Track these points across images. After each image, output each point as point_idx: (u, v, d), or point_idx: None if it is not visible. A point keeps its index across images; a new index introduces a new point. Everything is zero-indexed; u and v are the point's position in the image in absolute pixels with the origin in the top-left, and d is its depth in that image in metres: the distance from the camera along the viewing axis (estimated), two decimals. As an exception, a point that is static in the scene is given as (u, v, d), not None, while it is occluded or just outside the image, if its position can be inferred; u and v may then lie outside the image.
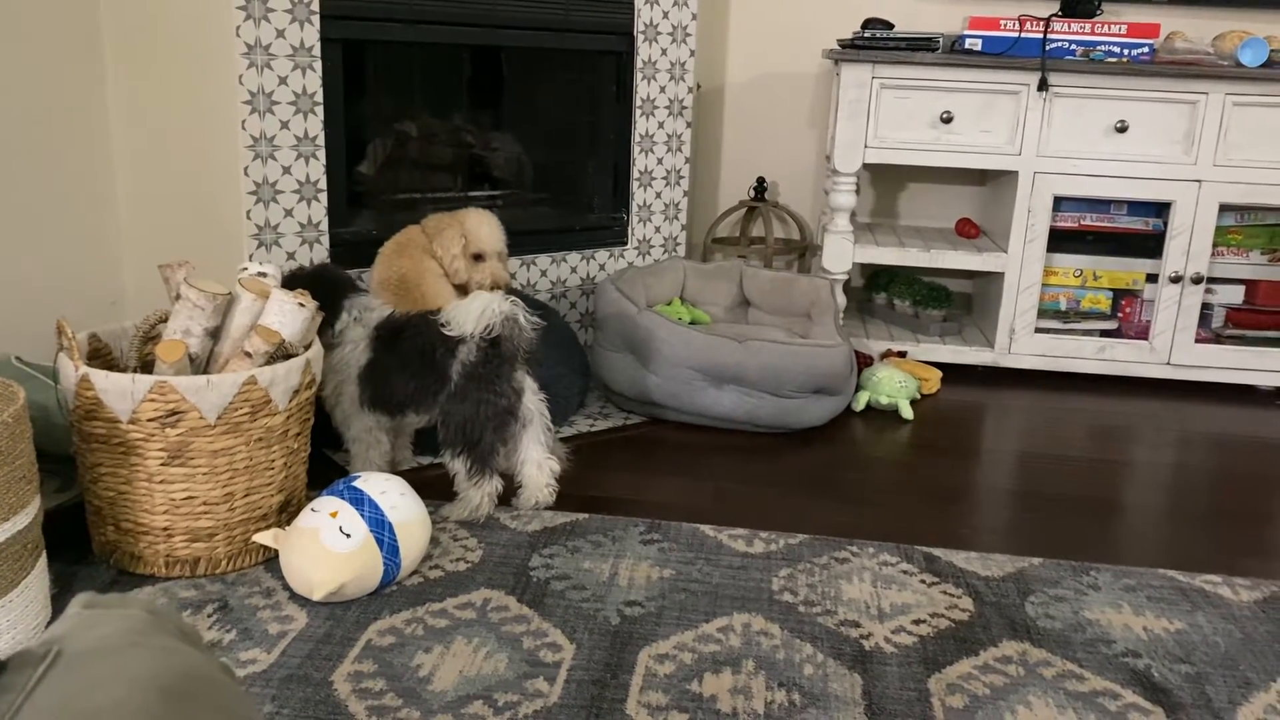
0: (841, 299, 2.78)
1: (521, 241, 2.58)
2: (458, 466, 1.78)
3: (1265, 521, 1.99)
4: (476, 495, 1.78)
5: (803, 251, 3.20)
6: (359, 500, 1.54)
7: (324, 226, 2.20)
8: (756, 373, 2.24)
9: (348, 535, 1.51)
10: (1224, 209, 2.66)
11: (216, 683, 0.51)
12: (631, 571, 1.65)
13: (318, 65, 2.12)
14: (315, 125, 2.14)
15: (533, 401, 1.82)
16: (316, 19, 2.10)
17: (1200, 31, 2.89)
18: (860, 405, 2.50)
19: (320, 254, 2.20)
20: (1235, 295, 2.78)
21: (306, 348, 1.69)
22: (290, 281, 1.87)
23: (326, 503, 1.55)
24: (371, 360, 1.82)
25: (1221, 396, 2.73)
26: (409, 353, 1.80)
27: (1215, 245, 2.70)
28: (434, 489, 1.89)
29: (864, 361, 2.64)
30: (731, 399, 2.27)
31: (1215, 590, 1.68)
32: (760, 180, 3.15)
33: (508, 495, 1.85)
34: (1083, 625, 1.55)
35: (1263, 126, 2.57)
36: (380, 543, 1.52)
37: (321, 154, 2.16)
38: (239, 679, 1.33)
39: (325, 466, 2.00)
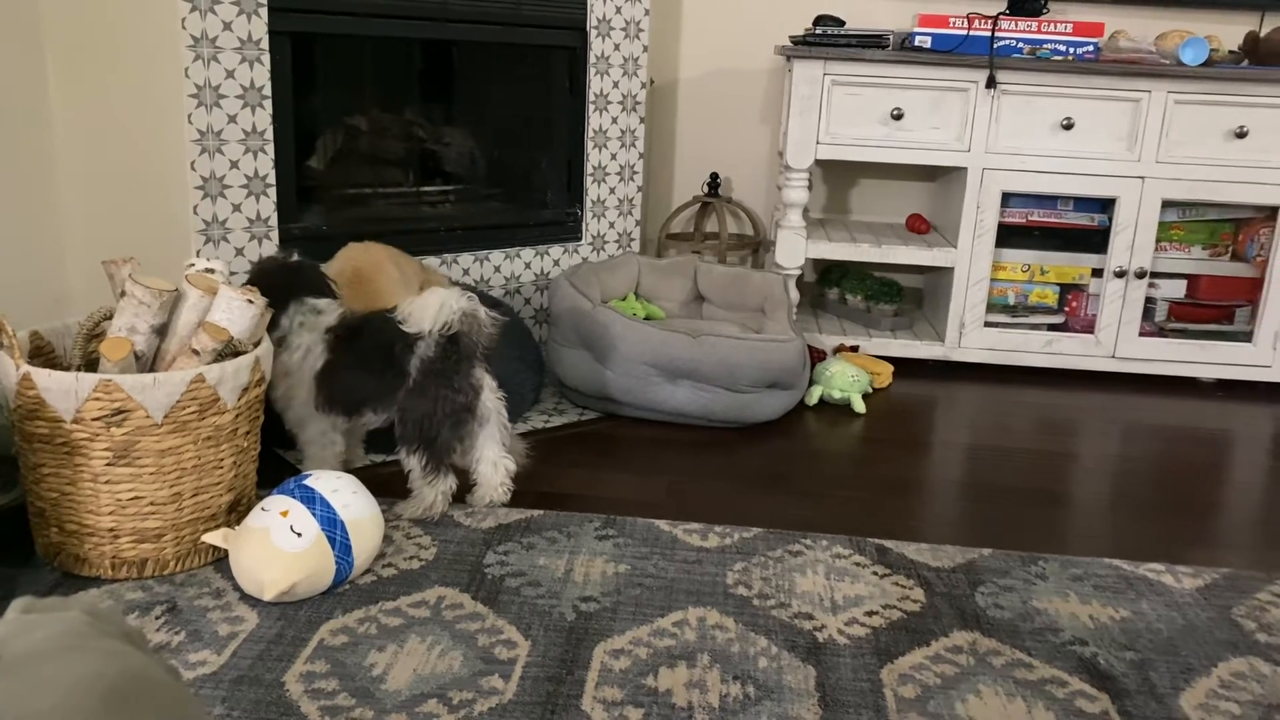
0: (795, 294, 2.80)
1: (475, 237, 2.57)
2: (413, 463, 1.77)
3: (1206, 511, 2.04)
4: (431, 493, 1.77)
5: (756, 247, 3.22)
6: (310, 499, 1.52)
7: (273, 222, 2.17)
8: (711, 368, 2.25)
9: (299, 534, 1.49)
10: (1166, 205, 2.71)
11: (159, 685, 0.51)
12: (587, 567, 1.65)
13: (266, 58, 2.09)
14: (264, 119, 2.11)
15: (490, 399, 1.81)
16: (264, 11, 2.07)
17: (1143, 31, 2.94)
18: (813, 399, 2.52)
19: (269, 250, 2.17)
20: (1178, 290, 2.84)
21: (256, 345, 1.66)
22: (256, 273, 1.85)
23: (277, 502, 1.53)
24: (329, 362, 1.80)
25: (1165, 389, 2.79)
26: (369, 351, 1.78)
27: (1158, 241, 2.75)
28: (388, 487, 1.88)
29: (817, 356, 2.66)
30: (686, 394, 2.28)
31: (1159, 578, 1.72)
32: (714, 176, 3.16)
33: (462, 492, 1.84)
34: (1031, 614, 1.58)
35: (1203, 124, 2.63)
36: (332, 541, 1.51)
37: (270, 148, 2.13)
38: (186, 681, 1.31)
39: (276, 465, 1.98)
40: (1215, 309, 2.85)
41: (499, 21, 2.45)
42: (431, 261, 2.46)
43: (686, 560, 1.69)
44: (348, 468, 1.96)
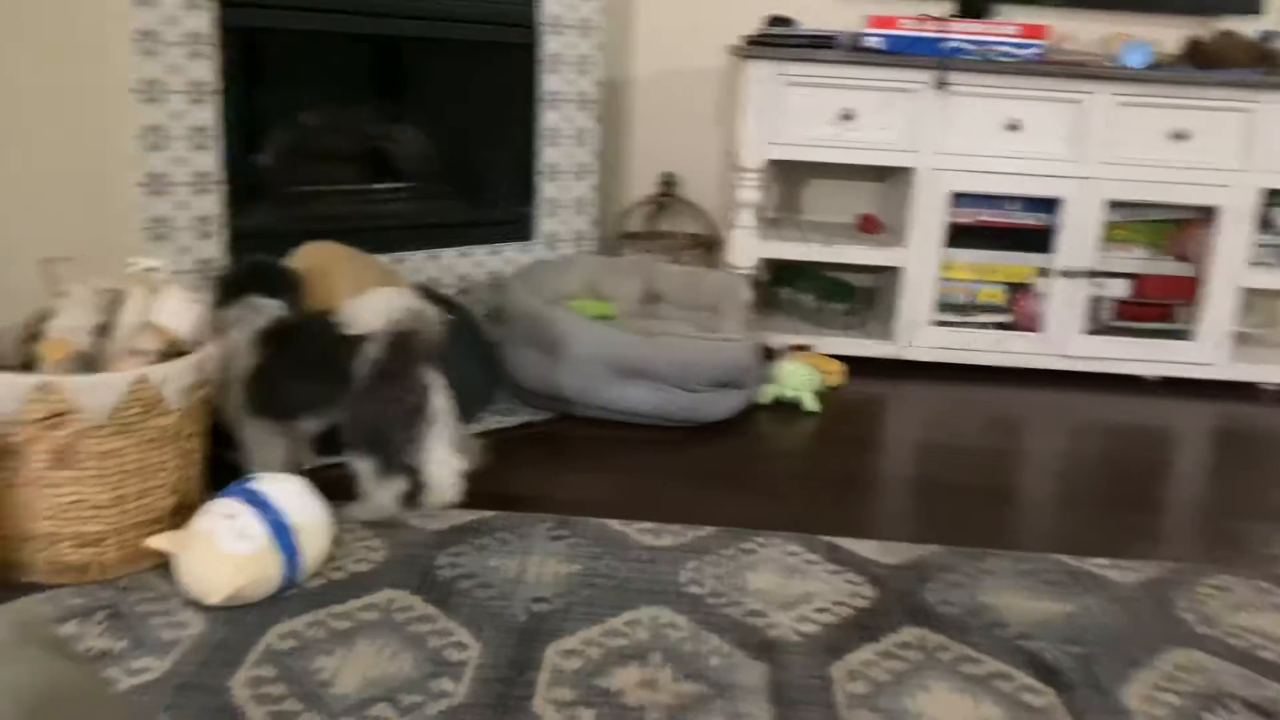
0: (748, 293, 2.81)
1: (427, 235, 2.55)
2: (364, 467, 1.75)
3: (1150, 506, 2.08)
4: (383, 495, 1.75)
5: (710, 246, 3.23)
6: (257, 502, 1.50)
7: (220, 219, 2.14)
8: (665, 367, 2.26)
9: (246, 538, 1.47)
10: (1111, 205, 2.76)
11: (86, 696, 0.49)
12: (539, 568, 1.65)
13: (213, 53, 2.06)
14: (211, 115, 2.08)
15: (440, 399, 1.80)
16: (212, 5, 2.03)
17: (1088, 34, 2.99)
18: (767, 398, 2.53)
19: (216, 248, 2.14)
20: (1122, 289, 2.89)
21: (201, 345, 1.64)
22: (223, 280, 1.83)
23: (224, 505, 1.51)
24: (258, 366, 1.77)
25: (1110, 386, 2.84)
26: (306, 357, 1.76)
27: (1103, 240, 2.80)
28: (338, 488, 1.85)
29: (770, 355, 2.67)
30: (640, 393, 2.28)
31: (1103, 573, 1.75)
32: (668, 175, 3.17)
33: (413, 494, 1.82)
34: (979, 610, 1.60)
35: (1145, 126, 2.68)
36: (280, 545, 1.49)
37: (217, 145, 2.10)
38: (129, 689, 1.29)
39: (223, 468, 1.94)
40: (1159, 307, 2.91)
41: (451, 18, 2.44)
42: (383, 260, 2.43)
43: (639, 560, 1.69)
44: (296, 470, 1.93)
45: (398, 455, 1.74)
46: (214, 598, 1.45)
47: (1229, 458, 2.38)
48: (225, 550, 1.45)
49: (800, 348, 2.80)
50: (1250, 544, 1.91)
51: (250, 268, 1.87)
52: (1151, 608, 1.64)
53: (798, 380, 2.54)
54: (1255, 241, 2.81)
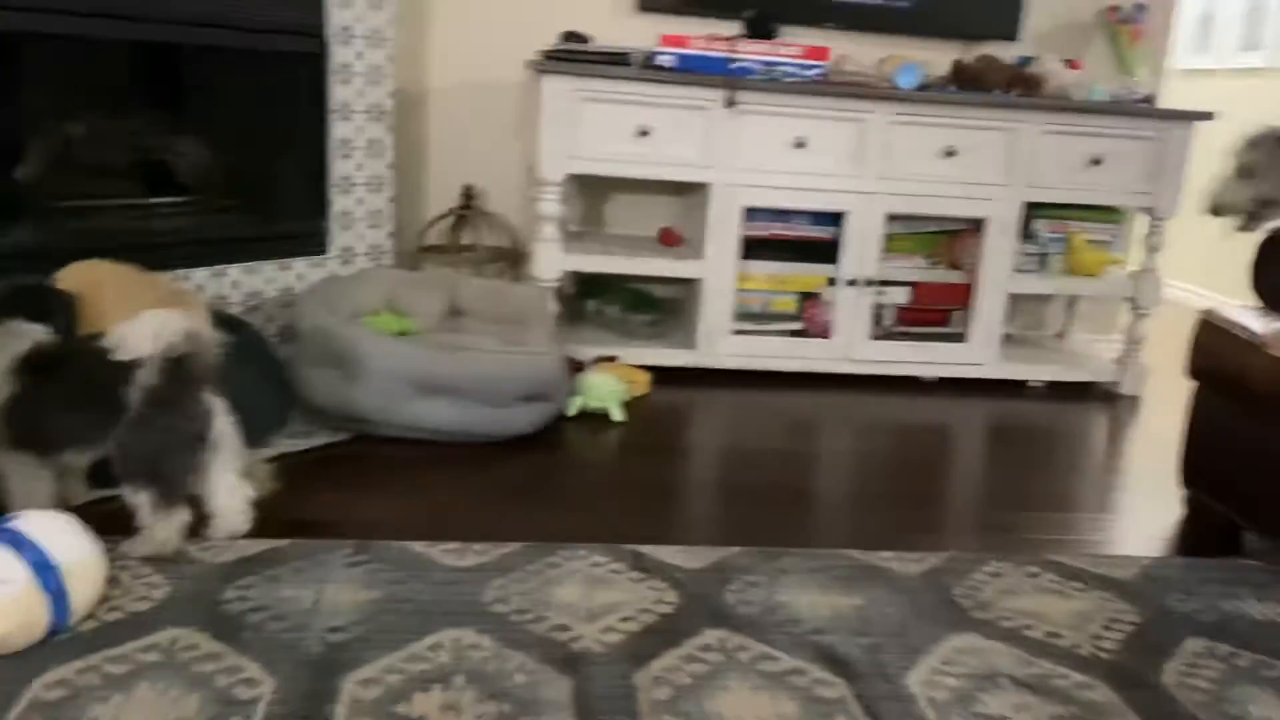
0: (553, 306, 2.82)
1: (211, 251, 2.42)
2: (142, 500, 1.64)
3: (931, 500, 2.21)
4: (163, 529, 1.65)
5: (514, 259, 3.22)
6: (17, 543, 1.38)
7: (-29, 237, 1.97)
8: (469, 382, 2.23)
9: (5, 582, 1.35)
10: (890, 218, 2.94)
11: None
12: (336, 596, 1.59)
13: (-43, 57, 1.89)
14: (-44, 124, 1.91)
15: (223, 424, 1.71)
16: (-47, 5, 1.87)
17: (865, 56, 3.17)
18: (573, 410, 2.55)
19: (-33, 268, 1.96)
20: (902, 296, 3.08)
21: (-52, 375, 1.49)
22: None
23: (-23, 548, 1.38)
24: (16, 397, 1.63)
25: (894, 388, 3.01)
26: (72, 386, 1.64)
27: (884, 251, 2.97)
28: (114, 524, 1.73)
29: (576, 367, 2.69)
30: (442, 410, 2.25)
31: (888, 565, 1.85)
32: (468, 188, 3.13)
33: (197, 525, 1.72)
34: (775, 608, 1.66)
35: (917, 143, 2.86)
36: (45, 588, 1.38)
37: (-35, 156, 1.93)
38: None
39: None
40: (936, 313, 3.11)
41: (231, 25, 2.33)
42: (166, 278, 2.30)
43: (443, 581, 1.66)
44: (65, 506, 1.79)
45: (179, 486, 1.64)
46: (-32, 651, 1.33)
47: (1000, 451, 2.57)
48: (-20, 598, 1.33)
49: (606, 359, 2.83)
50: (1019, 531, 2.07)
51: (11, 290, 1.72)
52: (932, 596, 1.75)
53: (604, 391, 2.56)
54: (1019, 250, 3.04)
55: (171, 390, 1.62)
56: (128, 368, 1.60)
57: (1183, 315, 2.45)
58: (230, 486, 1.72)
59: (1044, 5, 3.31)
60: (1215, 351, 2.07)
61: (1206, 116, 2.96)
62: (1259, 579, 1.90)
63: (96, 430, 1.63)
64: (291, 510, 1.89)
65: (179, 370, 1.62)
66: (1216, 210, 1.99)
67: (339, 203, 2.62)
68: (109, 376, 1.61)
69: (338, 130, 2.57)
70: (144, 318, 1.61)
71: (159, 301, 2.05)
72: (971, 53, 3.23)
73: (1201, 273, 4.67)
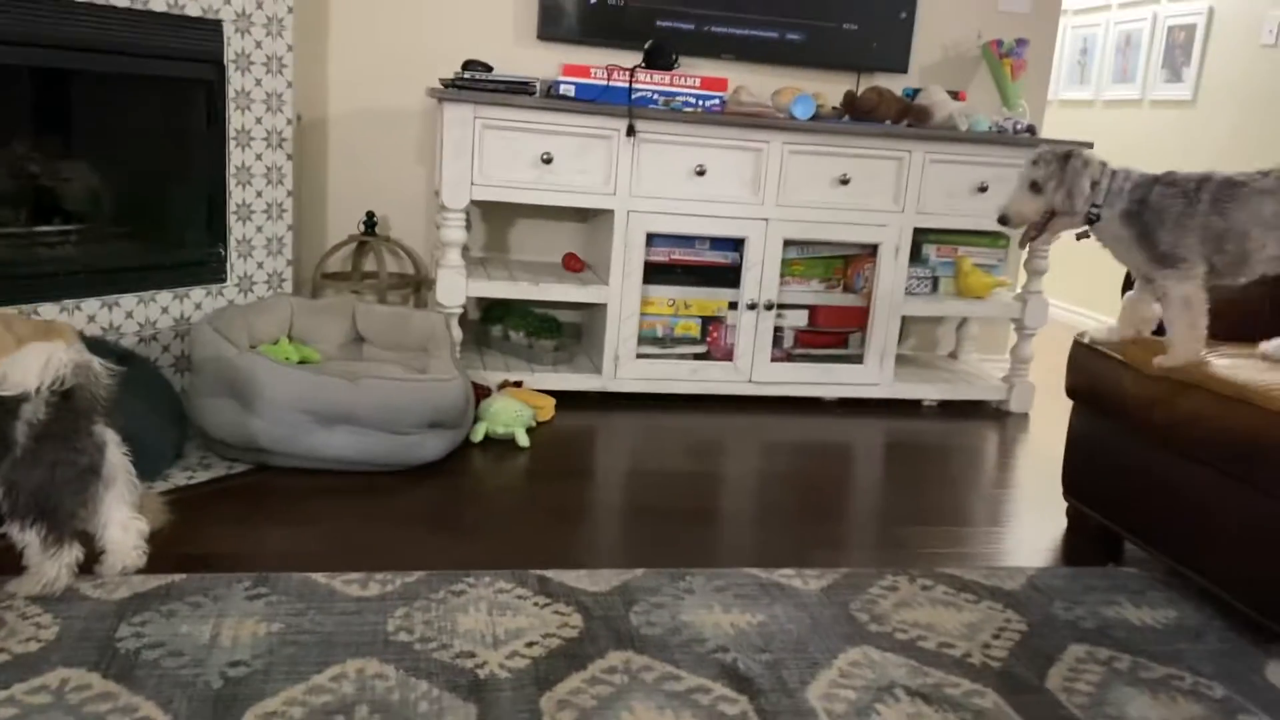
0: (458, 332, 2.82)
1: (102, 280, 2.36)
2: (30, 538, 1.59)
3: (830, 516, 2.27)
4: (53, 567, 1.60)
5: (417, 286, 3.20)
6: (-106, 586, 1.33)
7: None
8: (370, 411, 2.21)
9: (-120, 628, 1.30)
10: (788, 243, 3.01)
11: None
12: (236, 630, 1.56)
13: None
14: None
15: (116, 456, 1.67)
16: None
17: (761, 87, 3.26)
18: (478, 436, 2.54)
19: None
20: (801, 319, 3.16)
21: None
22: None
23: None
24: None
25: (795, 408, 3.08)
26: None
27: (783, 275, 3.05)
28: (0, 562, 1.68)
29: (482, 393, 2.69)
30: (344, 439, 2.22)
31: (789, 582, 1.89)
32: (370, 214, 3.12)
33: (89, 562, 1.68)
34: (680, 628, 1.69)
35: (813, 172, 2.95)
36: (-76, 632, 1.33)
37: None
38: None
39: None
40: (833, 335, 3.19)
41: (123, 51, 2.28)
42: (50, 310, 2.23)
43: (345, 612, 1.65)
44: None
45: (68, 521, 1.60)
46: None
47: (896, 468, 2.66)
48: None
49: (511, 384, 2.84)
50: (915, 545, 2.14)
51: None
52: (831, 611, 1.80)
53: (509, 416, 2.57)
54: (910, 274, 3.15)
55: (59, 424, 1.57)
56: (14, 402, 1.56)
57: (1069, 335, 2.57)
58: (123, 521, 1.68)
59: (930, 39, 3.45)
60: (1090, 370, 2.18)
61: (1086, 146, 3.12)
62: (1136, 585, 2.00)
63: None
64: (188, 544, 1.85)
65: (67, 404, 1.58)
66: (1006, 220, 2.18)
67: (237, 230, 2.58)
68: None
69: (236, 157, 2.54)
70: (29, 350, 1.56)
71: (32, 335, 1.99)
72: (863, 84, 3.35)
73: (1085, 294, 4.89)
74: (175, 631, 1.55)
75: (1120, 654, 1.73)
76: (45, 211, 2.49)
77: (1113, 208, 2.06)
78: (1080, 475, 2.27)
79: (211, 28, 2.43)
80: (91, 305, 2.31)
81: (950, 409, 3.24)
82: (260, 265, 2.66)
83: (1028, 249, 3.17)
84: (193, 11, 2.37)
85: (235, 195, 2.56)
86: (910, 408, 3.21)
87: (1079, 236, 2.16)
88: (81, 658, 1.46)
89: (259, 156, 2.59)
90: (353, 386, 2.20)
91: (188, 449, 2.30)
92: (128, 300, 2.39)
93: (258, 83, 2.55)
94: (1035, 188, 2.12)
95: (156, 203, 2.58)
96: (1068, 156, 2.10)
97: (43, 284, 2.27)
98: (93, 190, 2.56)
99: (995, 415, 3.23)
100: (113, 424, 1.67)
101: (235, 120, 2.52)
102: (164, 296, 2.46)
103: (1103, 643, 1.76)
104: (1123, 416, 2.07)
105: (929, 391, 3.24)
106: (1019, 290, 3.28)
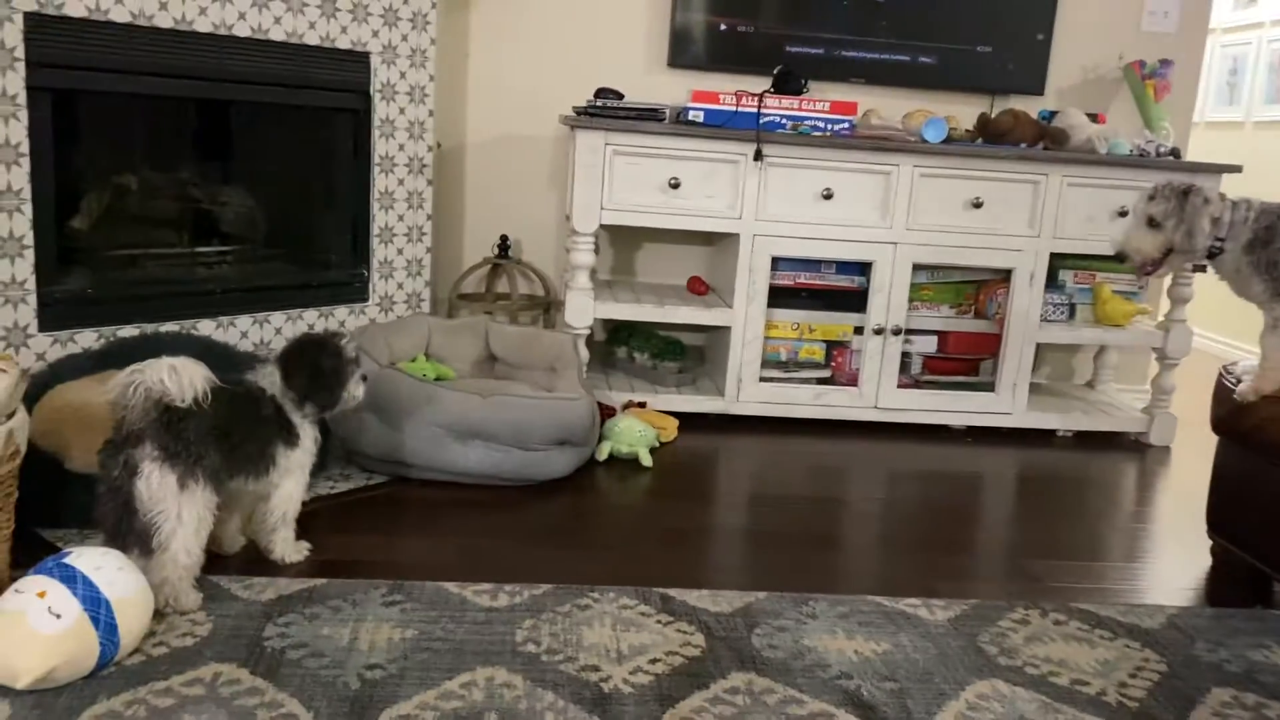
0: (584, 353, 2.88)
1: (254, 299, 2.51)
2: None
3: (957, 547, 2.23)
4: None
5: (547, 307, 3.29)
6: (71, 578, 1.44)
7: (30, 285, 2.06)
8: (502, 427, 2.28)
9: (58, 616, 1.40)
10: (917, 268, 2.98)
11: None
12: (373, 634, 1.63)
13: (23, 114, 1.99)
14: (20, 177, 2.00)
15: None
16: (21, 66, 1.97)
17: (892, 110, 3.23)
18: (603, 455, 2.59)
19: (26, 315, 2.05)
20: (930, 345, 3.11)
21: (10, 416, 1.57)
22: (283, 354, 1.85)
23: (33, 582, 1.44)
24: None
25: (921, 436, 3.03)
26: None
27: (911, 300, 3.01)
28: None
29: (606, 413, 2.74)
30: (477, 454, 2.30)
31: (915, 612, 1.87)
32: (504, 238, 3.22)
33: (242, 563, 1.78)
34: (802, 652, 1.68)
35: (944, 195, 2.91)
36: (96, 622, 1.43)
37: (28, 208, 2.03)
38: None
39: (34, 544, 1.85)
40: (963, 361, 3.13)
41: (278, 82, 2.43)
42: (207, 326, 2.37)
43: (475, 621, 1.70)
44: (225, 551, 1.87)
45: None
46: (23, 681, 1.38)
47: (1027, 500, 2.58)
48: (36, 629, 1.39)
49: (637, 404, 2.87)
50: (1046, 579, 2.08)
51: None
52: (959, 643, 1.76)
53: (633, 436, 2.61)
54: (1046, 300, 3.07)
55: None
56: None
57: (1215, 366, 2.46)
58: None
59: (1068, 60, 3.37)
60: (1235, 403, 2.08)
61: (1235, 169, 2.99)
62: (1288, 630, 1.90)
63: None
64: (329, 550, 1.94)
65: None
66: (1122, 256, 2.13)
67: (380, 252, 2.70)
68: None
69: (380, 182, 2.66)
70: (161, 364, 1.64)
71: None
72: (997, 107, 3.29)
73: (1232, 323, 4.66)
74: (317, 633, 1.62)
75: (1270, 701, 1.64)
76: (204, 233, 2.67)
77: (1237, 240, 1.98)
78: (1227, 512, 2.16)
79: (360, 59, 2.56)
80: (244, 322, 2.46)
81: (1086, 440, 3.13)
82: (400, 286, 2.78)
83: (1175, 277, 3.06)
84: (343, 45, 2.51)
85: (378, 219, 2.69)
86: (1043, 438, 3.12)
87: (1195, 269, 2.09)
88: (232, 654, 1.55)
89: (401, 182, 2.71)
90: (485, 403, 2.27)
91: (330, 460, 2.41)
92: (277, 317, 2.52)
93: (401, 111, 2.67)
94: (1153, 223, 2.05)
95: (305, 225, 2.73)
96: (1186, 193, 2.02)
97: (201, 301, 2.42)
98: (248, 214, 2.72)
99: (1134, 448, 3.11)
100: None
101: (379, 147, 2.65)
102: (310, 314, 2.59)
103: (1250, 688, 1.68)
104: (1271, 452, 1.97)
105: (1064, 422, 3.14)
106: (1161, 318, 3.16)
